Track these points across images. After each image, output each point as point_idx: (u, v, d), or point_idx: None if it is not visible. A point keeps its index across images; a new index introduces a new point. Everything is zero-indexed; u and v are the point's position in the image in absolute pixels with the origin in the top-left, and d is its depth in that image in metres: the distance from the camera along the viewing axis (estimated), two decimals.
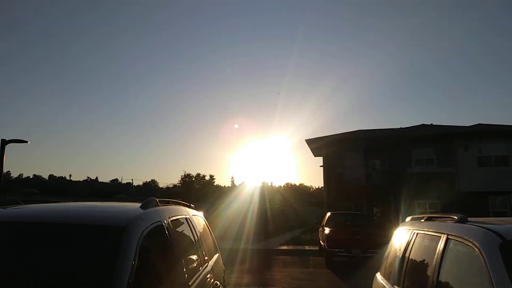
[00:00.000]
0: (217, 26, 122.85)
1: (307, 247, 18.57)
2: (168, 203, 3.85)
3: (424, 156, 23.49)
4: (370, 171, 24.01)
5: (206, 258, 4.14)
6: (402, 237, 3.87)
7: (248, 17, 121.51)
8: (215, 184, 56.03)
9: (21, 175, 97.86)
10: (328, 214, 16.46)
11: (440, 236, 2.76)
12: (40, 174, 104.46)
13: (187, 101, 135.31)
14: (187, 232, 3.79)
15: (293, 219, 34.71)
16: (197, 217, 4.60)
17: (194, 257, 3.68)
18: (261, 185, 40.36)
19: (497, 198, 21.89)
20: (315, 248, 17.43)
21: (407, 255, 3.45)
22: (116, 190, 68.91)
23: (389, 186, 22.52)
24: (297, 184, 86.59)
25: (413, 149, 23.49)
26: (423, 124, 26.80)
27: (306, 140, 24.83)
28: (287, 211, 35.03)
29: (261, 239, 21.51)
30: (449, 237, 2.62)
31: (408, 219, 4.20)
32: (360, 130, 26.88)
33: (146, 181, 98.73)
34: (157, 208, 3.22)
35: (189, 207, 4.59)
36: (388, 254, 4.26)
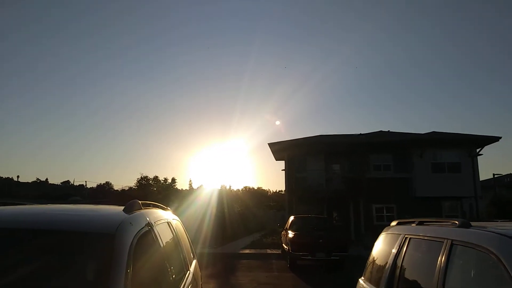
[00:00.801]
0: (177, 24, 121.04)
1: (269, 251, 18.52)
2: (148, 205, 3.58)
3: (381, 162, 24.25)
4: (331, 175, 24.42)
5: (188, 265, 3.91)
6: (390, 242, 3.83)
7: (206, 21, 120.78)
8: (174, 187, 54.89)
9: None
10: (292, 218, 16.50)
11: (443, 242, 2.71)
12: None
13: (144, 102, 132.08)
14: (170, 237, 3.54)
15: (252, 223, 34.62)
16: (176, 221, 4.35)
17: (179, 264, 3.45)
18: (219, 188, 40.04)
19: (450, 203, 22.98)
20: (278, 252, 17.42)
21: (399, 261, 3.39)
22: (68, 192, 65.80)
23: (348, 191, 23.00)
24: (256, 188, 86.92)
25: (372, 155, 24.20)
26: (381, 131, 27.67)
27: (268, 144, 24.89)
28: (246, 215, 34.92)
29: (221, 242, 21.22)
30: (454, 242, 2.57)
31: (393, 223, 4.17)
32: (321, 135, 27.34)
33: (100, 183, 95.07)
34: (142, 211, 2.97)
35: (166, 210, 4.33)
36: (373, 259, 4.20)
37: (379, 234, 4.49)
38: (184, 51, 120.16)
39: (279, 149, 25.23)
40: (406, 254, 3.35)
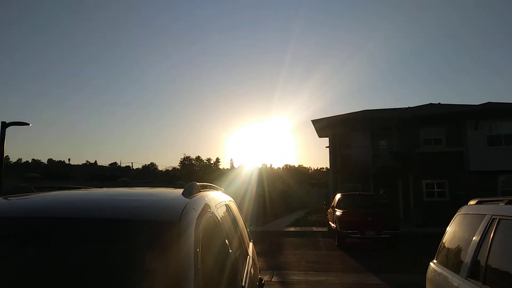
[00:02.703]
0: (215, 9, 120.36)
1: (314, 229, 18.30)
2: (205, 187, 3.36)
3: (432, 136, 23.10)
4: (377, 151, 23.62)
5: (247, 249, 3.71)
6: (471, 223, 3.42)
7: None
8: (219, 167, 55.50)
9: (20, 159, 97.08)
10: (339, 195, 16.11)
11: None
12: (39, 159, 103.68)
13: (186, 83, 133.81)
14: (230, 221, 3.33)
15: (295, 201, 34.45)
16: (232, 203, 4.14)
17: (240, 249, 3.24)
18: (260, 167, 40.06)
19: (505, 176, 21.61)
20: (324, 230, 17.16)
21: (485, 246, 3.00)
22: (116, 173, 68.50)
23: (396, 167, 22.17)
24: (296, 166, 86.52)
25: (421, 129, 23.07)
26: (430, 104, 26.30)
27: (312, 121, 24.35)
28: (288, 193, 34.79)
29: (264, 221, 21.23)
30: None
31: (472, 202, 3.75)
32: (367, 110, 26.37)
33: (145, 164, 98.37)
34: (201, 194, 2.74)
35: (221, 191, 4.12)
36: (448, 241, 3.82)
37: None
38: (224, 28, 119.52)
39: (323, 126, 24.62)
40: (494, 238, 2.94)
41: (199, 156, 59.87)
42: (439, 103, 26.17)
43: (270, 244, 14.00)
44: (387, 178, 22.58)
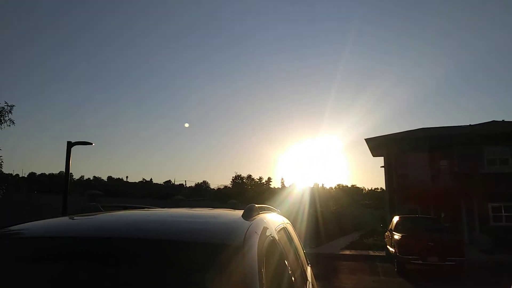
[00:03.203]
0: (266, 24, 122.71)
1: (371, 253, 17.53)
2: (263, 209, 3.29)
3: (498, 156, 21.57)
4: (437, 172, 22.42)
5: (306, 273, 3.56)
6: None
7: (297, 12, 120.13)
8: (270, 186, 55.34)
9: (82, 176, 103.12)
10: (396, 218, 15.37)
11: None
12: (99, 176, 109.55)
13: (237, 102, 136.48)
14: (288, 244, 3.22)
15: (348, 222, 33.37)
16: (289, 225, 4.03)
17: (300, 274, 3.11)
18: (312, 186, 39.36)
19: None
20: (381, 254, 16.38)
21: None
22: (170, 191, 70.53)
23: (458, 188, 20.86)
24: (349, 186, 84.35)
25: (485, 148, 21.64)
26: (494, 121, 24.70)
27: (365, 139, 23.70)
28: (341, 214, 33.82)
29: (318, 242, 20.69)
30: None
31: None
32: (424, 128, 25.26)
33: (198, 182, 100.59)
34: (260, 216, 2.67)
35: (277, 212, 4.03)
36: None
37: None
38: (274, 49, 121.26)
39: (377, 145, 23.87)
40: None
41: (250, 175, 60.23)
42: (502, 120, 24.52)
43: (324, 268, 13.55)
44: (448, 200, 21.27)
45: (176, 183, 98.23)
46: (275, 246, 2.45)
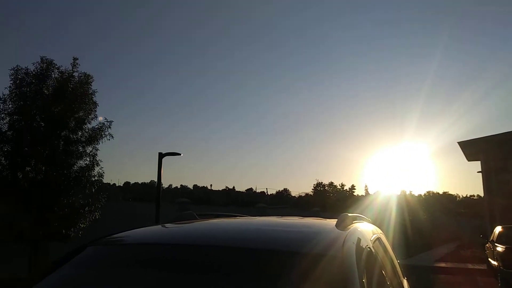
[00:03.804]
0: (352, 24, 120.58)
1: (470, 265, 16.06)
2: (355, 218, 3.16)
3: None
4: None
5: (403, 287, 3.34)
6: None
7: (382, 13, 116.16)
8: (354, 194, 53.70)
9: (170, 185, 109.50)
10: (499, 228, 13.90)
11: None
12: (186, 184, 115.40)
13: (318, 107, 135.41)
14: (384, 255, 3.04)
15: (441, 232, 31.02)
16: (382, 235, 3.82)
17: (397, 287, 2.92)
18: (399, 194, 37.34)
19: None
20: (482, 267, 14.93)
21: None
22: (252, 199, 71.94)
23: None
24: (440, 193, 78.68)
25: None
26: None
27: (459, 143, 21.88)
28: (433, 223, 31.57)
29: (408, 254, 19.49)
30: None
31: None
32: None
33: (279, 190, 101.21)
34: (354, 226, 2.56)
35: (369, 222, 3.85)
36: None
37: None
38: (358, 49, 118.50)
39: (473, 148, 21.91)
40: None
41: (332, 182, 59.05)
42: None
43: (418, 281, 12.69)
44: None
45: (257, 191, 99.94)
46: (372, 257, 2.33)
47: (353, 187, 59.12)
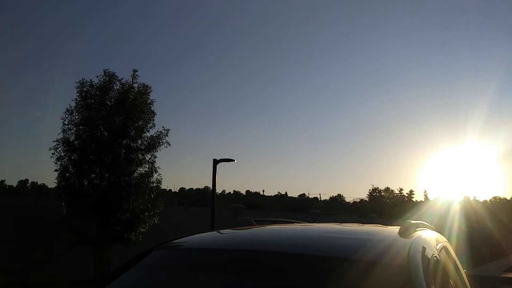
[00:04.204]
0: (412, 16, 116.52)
1: None
2: (418, 226, 3.03)
3: None
4: None
5: None
6: None
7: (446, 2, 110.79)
8: (412, 199, 51.26)
9: (224, 191, 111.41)
10: None
11: None
12: (238, 190, 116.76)
13: (372, 111, 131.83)
14: (451, 265, 2.90)
15: (510, 240, 28.81)
16: (448, 244, 3.64)
17: None
18: (461, 199, 35.26)
19: None
20: None
21: None
22: (304, 204, 71.28)
23: None
24: (508, 198, 73.26)
25: None
26: None
27: None
28: (501, 230, 29.41)
29: (474, 263, 18.28)
30: None
31: None
32: None
33: (332, 196, 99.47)
34: (417, 234, 2.46)
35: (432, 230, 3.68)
36: None
37: None
38: (415, 41, 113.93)
39: None
40: None
41: (388, 187, 56.86)
42: None
43: None
44: None
45: (310, 197, 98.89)
46: (439, 267, 2.23)
47: (411, 192, 56.53)
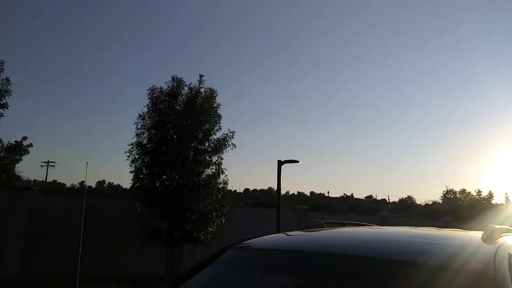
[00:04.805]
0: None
1: None
2: (502, 231, 2.81)
3: None
4: None
5: None
6: None
7: None
8: (491, 202, 47.26)
9: (287, 192, 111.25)
10: None
11: None
12: (302, 191, 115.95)
13: (445, 107, 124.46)
14: None
15: None
16: None
17: None
18: None
19: None
20: None
21: None
22: (371, 206, 69.00)
23: None
24: None
25: None
26: None
27: None
28: None
29: None
30: None
31: None
32: None
33: (402, 198, 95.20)
34: (502, 240, 2.28)
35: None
36: None
37: None
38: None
39: None
40: None
41: (464, 189, 52.97)
42: None
43: None
44: None
45: (378, 198, 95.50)
46: None
47: (490, 194, 52.15)
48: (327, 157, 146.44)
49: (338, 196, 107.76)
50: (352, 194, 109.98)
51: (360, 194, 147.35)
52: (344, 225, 3.13)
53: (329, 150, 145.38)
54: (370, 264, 1.74)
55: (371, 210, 50.40)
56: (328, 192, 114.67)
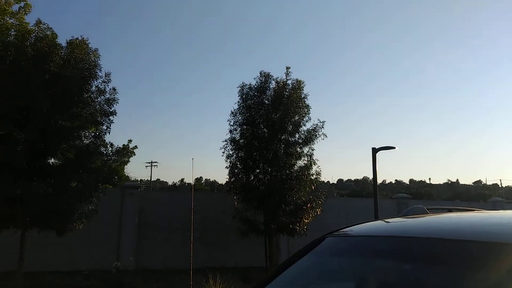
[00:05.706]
0: None
1: None
2: None
3: None
4: None
5: None
6: None
7: None
8: None
9: (384, 180, 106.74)
10: None
11: None
12: (401, 179, 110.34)
13: None
14: None
15: None
16: None
17: None
18: None
19: None
20: None
21: None
22: (481, 192, 62.99)
23: None
24: None
25: None
26: None
27: None
28: None
29: None
30: None
31: None
32: None
33: None
34: None
35: None
36: None
37: None
38: None
39: None
40: None
41: None
42: None
43: None
44: None
45: (488, 183, 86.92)
46: None
47: None
48: (427, 141, 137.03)
49: (441, 182, 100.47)
50: (457, 180, 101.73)
51: (466, 180, 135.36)
52: (450, 210, 2.91)
53: (428, 135, 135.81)
54: (482, 248, 1.59)
55: (481, 196, 46.03)
56: (429, 178, 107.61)
